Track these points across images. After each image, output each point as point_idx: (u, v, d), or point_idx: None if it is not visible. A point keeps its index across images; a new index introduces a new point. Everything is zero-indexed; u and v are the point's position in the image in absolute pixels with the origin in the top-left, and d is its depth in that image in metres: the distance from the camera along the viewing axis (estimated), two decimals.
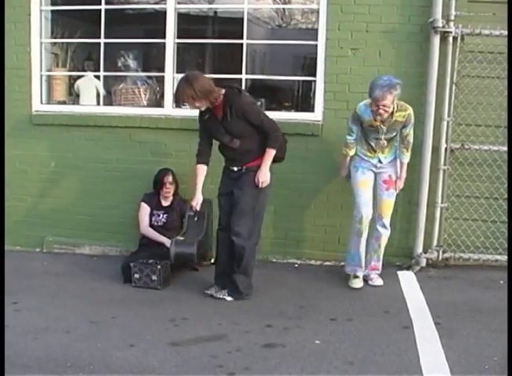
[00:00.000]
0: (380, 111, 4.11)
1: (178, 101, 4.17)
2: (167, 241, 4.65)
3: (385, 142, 4.38)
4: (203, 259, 4.76)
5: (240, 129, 4.10)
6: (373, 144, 4.40)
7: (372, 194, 4.46)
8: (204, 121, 4.24)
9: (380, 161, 4.44)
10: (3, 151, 5.23)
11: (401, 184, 4.52)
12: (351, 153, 4.45)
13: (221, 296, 4.22)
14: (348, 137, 4.40)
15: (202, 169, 4.30)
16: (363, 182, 4.44)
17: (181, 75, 5.17)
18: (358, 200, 4.41)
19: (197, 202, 4.29)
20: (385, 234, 4.48)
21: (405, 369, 3.16)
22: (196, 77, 4.04)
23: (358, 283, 4.47)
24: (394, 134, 4.39)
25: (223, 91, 4.09)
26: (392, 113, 4.19)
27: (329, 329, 3.71)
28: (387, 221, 4.47)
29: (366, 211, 4.38)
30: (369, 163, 4.44)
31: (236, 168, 4.23)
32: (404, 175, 4.51)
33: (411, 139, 4.42)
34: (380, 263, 4.57)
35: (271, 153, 4.14)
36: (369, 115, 4.23)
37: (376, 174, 4.47)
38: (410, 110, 4.29)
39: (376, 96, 4.04)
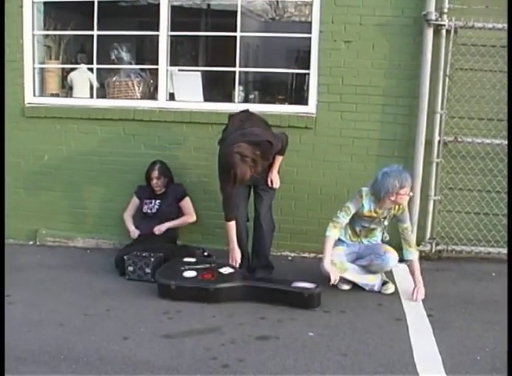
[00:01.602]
0: (407, 197, 4.03)
1: (242, 180, 4.07)
2: (132, 231, 4.93)
3: (370, 228, 4.30)
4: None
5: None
6: (357, 229, 4.31)
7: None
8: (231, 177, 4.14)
9: (362, 243, 4.36)
10: (3, 145, 5.22)
11: (421, 291, 4.08)
12: (337, 234, 4.16)
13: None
14: (342, 217, 4.13)
15: (234, 225, 4.35)
16: (340, 248, 4.29)
17: (174, 68, 5.24)
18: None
19: (237, 259, 4.34)
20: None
21: (398, 360, 3.18)
22: (241, 148, 4.00)
23: (389, 289, 4.23)
24: (380, 225, 4.27)
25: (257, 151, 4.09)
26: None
27: (323, 321, 3.73)
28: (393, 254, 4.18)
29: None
30: (352, 246, 4.34)
31: None
32: (420, 277, 4.12)
33: (409, 232, 4.20)
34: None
35: (280, 160, 4.43)
36: (371, 206, 4.11)
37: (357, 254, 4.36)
38: (404, 204, 4.13)
39: (407, 180, 3.96)
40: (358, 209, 4.13)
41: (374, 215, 4.15)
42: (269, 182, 4.44)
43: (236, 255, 4.34)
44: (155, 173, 4.91)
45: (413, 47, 4.77)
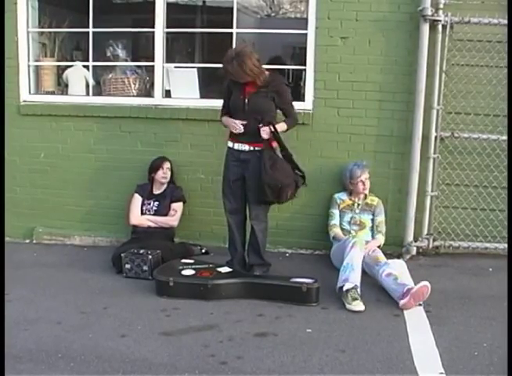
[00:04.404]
0: (361, 186, 4.70)
1: (224, 74, 4.19)
2: (162, 220, 4.91)
3: (358, 221, 4.75)
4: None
5: (265, 104, 4.24)
6: (348, 227, 4.75)
7: None
8: (228, 86, 4.33)
9: None
10: (3, 142, 5.20)
11: (369, 247, 4.44)
12: (338, 229, 4.77)
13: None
14: (331, 220, 4.83)
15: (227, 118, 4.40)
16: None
17: (170, 65, 5.23)
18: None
19: (235, 123, 4.25)
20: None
21: (396, 356, 3.19)
22: (248, 55, 4.07)
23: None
24: (367, 217, 4.76)
25: (267, 72, 4.26)
26: (366, 195, 4.80)
27: (321, 317, 3.73)
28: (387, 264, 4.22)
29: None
30: None
31: (247, 148, 4.27)
32: (373, 246, 4.48)
33: (383, 226, 4.74)
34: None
35: (283, 126, 4.32)
36: (345, 196, 4.85)
37: None
38: (379, 200, 4.82)
39: (357, 173, 4.68)
40: (336, 202, 4.83)
41: (349, 201, 4.80)
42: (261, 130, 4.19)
43: (232, 121, 4.27)
44: (167, 163, 4.95)
45: (410, 42, 4.76)
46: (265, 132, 4.18)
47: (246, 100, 4.23)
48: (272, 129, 4.19)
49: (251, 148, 4.27)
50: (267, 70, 4.32)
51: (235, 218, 4.50)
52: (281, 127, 4.30)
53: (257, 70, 4.10)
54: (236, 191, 4.42)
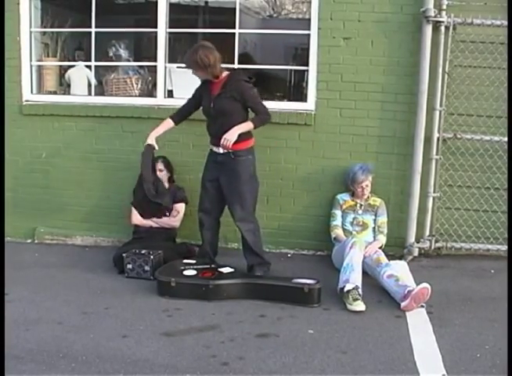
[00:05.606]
0: (361, 192, 4.72)
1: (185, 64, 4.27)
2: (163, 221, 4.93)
3: (361, 221, 4.74)
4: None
5: (228, 105, 4.19)
6: (350, 228, 4.75)
7: None
8: (199, 89, 4.38)
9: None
10: (3, 143, 5.20)
11: (370, 250, 4.40)
12: (340, 230, 4.76)
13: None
14: (333, 221, 4.81)
15: (168, 122, 4.50)
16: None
17: (172, 65, 5.24)
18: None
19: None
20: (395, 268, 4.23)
21: (398, 357, 3.18)
22: (204, 47, 4.17)
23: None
24: (369, 218, 4.76)
25: (227, 72, 4.27)
26: (368, 197, 4.79)
27: (323, 319, 3.72)
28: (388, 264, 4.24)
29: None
30: None
31: (221, 151, 4.26)
32: (374, 248, 4.45)
33: (385, 227, 4.75)
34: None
35: (249, 125, 4.23)
36: (347, 197, 4.84)
37: None
38: (382, 201, 4.82)
39: (360, 178, 4.67)
40: (338, 203, 4.81)
41: (352, 202, 4.78)
42: (222, 141, 4.15)
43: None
44: (159, 165, 4.94)
45: (412, 44, 4.76)
46: (224, 139, 4.15)
47: (212, 104, 4.24)
48: (225, 149, 4.20)
49: (225, 151, 4.25)
50: (227, 69, 4.33)
51: (205, 217, 4.51)
52: (247, 126, 4.22)
53: (207, 61, 4.10)
54: (210, 191, 4.45)
